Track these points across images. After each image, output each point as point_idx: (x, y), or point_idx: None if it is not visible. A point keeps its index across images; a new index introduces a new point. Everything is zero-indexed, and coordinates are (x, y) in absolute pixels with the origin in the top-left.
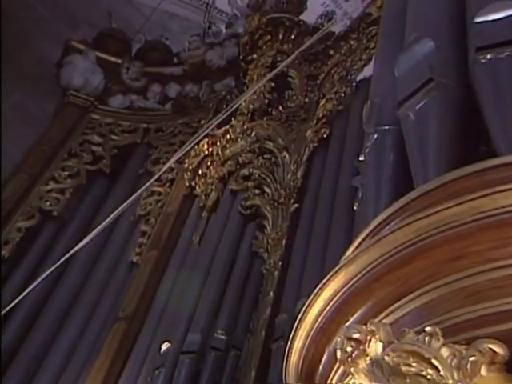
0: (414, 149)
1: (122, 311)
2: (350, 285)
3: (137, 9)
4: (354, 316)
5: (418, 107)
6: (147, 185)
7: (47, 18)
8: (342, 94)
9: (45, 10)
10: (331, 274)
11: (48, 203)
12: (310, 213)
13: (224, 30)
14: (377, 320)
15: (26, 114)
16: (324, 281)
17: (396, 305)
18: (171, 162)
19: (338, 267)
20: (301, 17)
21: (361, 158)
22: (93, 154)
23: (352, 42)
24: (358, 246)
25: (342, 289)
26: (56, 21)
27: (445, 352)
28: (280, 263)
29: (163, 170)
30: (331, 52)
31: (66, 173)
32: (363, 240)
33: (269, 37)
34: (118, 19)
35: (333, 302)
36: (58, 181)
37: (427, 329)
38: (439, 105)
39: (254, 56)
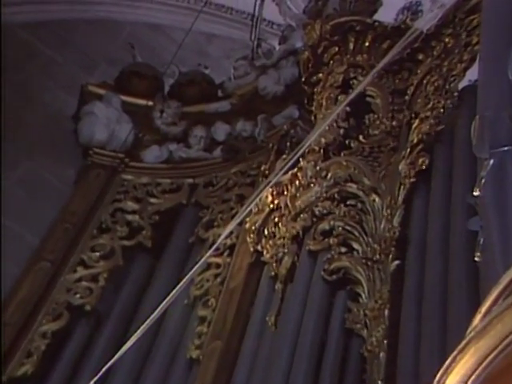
0: None
1: None
2: (484, 366)
3: (165, 34)
4: None
5: None
6: (204, 259)
7: (57, 61)
8: (441, 110)
9: (53, 51)
10: (456, 352)
11: (78, 296)
12: (416, 271)
13: (277, 47)
14: None
15: (40, 185)
16: (448, 362)
17: None
18: (232, 226)
19: (464, 342)
20: (375, 16)
21: (475, 193)
22: (128, 226)
23: (447, 40)
24: (487, 312)
25: (473, 372)
26: (68, 63)
27: None
28: (385, 341)
29: (223, 236)
30: (420, 56)
31: (98, 254)
32: (494, 302)
33: (336, 48)
34: (143, 50)
35: None
36: (88, 265)
37: None
38: None
39: (320, 75)
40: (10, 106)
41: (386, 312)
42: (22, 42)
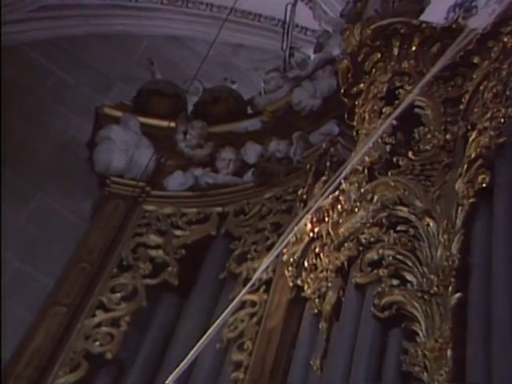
0: None
1: None
2: None
3: (187, 47)
4: None
5: None
6: (239, 297)
7: (69, 82)
8: (502, 120)
9: (65, 72)
10: None
11: (98, 343)
12: (481, 304)
13: (312, 56)
14: None
15: (53, 220)
16: None
17: None
18: (270, 259)
19: None
20: (422, 17)
21: None
22: (152, 262)
23: (506, 39)
24: None
25: None
26: (80, 84)
27: None
28: None
29: (260, 270)
30: (475, 60)
31: (118, 295)
32: None
33: (378, 55)
34: (163, 66)
35: None
36: (108, 308)
37: None
38: None
39: (361, 86)
40: (17, 132)
41: (449, 352)
42: (30, 63)
